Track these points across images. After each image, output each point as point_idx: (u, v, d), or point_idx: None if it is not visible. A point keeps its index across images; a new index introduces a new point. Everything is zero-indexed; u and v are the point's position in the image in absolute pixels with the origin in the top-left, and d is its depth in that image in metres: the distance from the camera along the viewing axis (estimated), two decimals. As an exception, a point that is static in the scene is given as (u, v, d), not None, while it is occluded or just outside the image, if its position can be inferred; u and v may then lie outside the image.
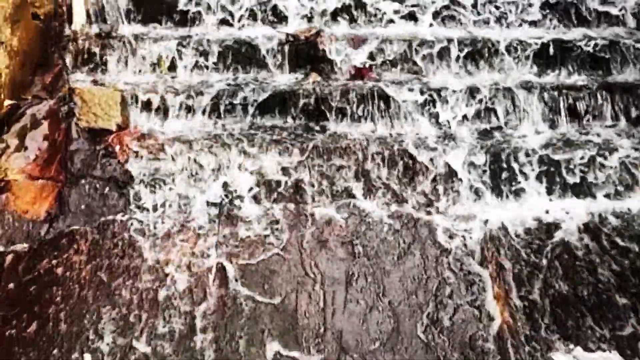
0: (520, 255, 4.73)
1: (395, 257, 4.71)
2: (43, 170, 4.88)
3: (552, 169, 5.12)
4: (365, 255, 4.71)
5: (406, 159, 5.11)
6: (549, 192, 5.07)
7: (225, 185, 5.01)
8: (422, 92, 5.46)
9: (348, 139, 5.23)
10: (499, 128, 5.44)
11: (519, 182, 5.10)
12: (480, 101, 5.46)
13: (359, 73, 5.67)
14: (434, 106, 5.44)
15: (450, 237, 4.81)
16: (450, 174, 5.08)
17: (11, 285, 4.44)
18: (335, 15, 6.05)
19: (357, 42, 5.72)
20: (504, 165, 5.12)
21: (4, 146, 4.89)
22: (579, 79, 5.73)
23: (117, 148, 5.05)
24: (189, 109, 5.38)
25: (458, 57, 5.74)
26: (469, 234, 4.82)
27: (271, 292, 4.54)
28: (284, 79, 5.66)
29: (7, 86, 5.08)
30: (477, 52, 5.78)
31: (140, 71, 5.70)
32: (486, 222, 4.88)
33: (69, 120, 5.11)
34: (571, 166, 5.13)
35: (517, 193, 5.07)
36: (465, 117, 5.43)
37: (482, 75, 5.72)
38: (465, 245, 4.77)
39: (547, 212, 4.96)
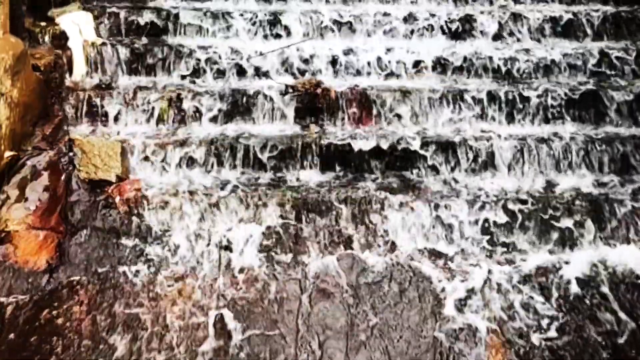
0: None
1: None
2: (43, 221, 5.00)
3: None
4: (365, 304, 4.83)
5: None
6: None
7: (225, 235, 5.15)
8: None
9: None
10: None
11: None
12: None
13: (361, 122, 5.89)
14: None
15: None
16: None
17: (12, 336, 4.53)
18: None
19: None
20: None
21: (4, 197, 5.01)
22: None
23: (117, 199, 5.19)
24: (189, 160, 5.54)
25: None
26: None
27: (271, 343, 4.64)
28: (285, 130, 5.86)
29: (8, 137, 5.19)
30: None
31: (139, 122, 5.88)
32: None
33: (69, 171, 5.25)
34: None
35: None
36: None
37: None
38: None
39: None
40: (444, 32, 6.69)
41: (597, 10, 6.84)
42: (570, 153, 5.63)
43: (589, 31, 6.70)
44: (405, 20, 6.72)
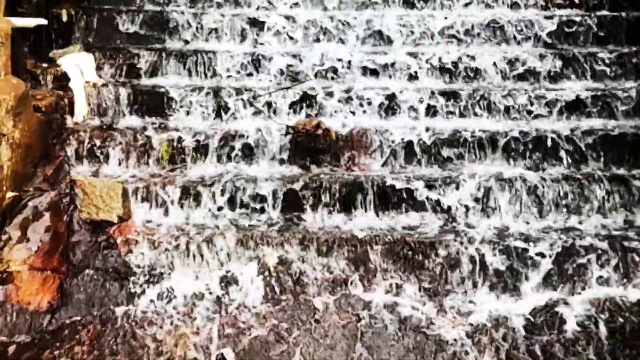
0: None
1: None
2: (45, 261, 5.10)
3: None
4: (365, 344, 4.94)
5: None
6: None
7: (225, 275, 5.27)
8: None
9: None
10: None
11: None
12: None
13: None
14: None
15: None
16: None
17: (14, 377, 4.63)
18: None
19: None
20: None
21: (6, 238, 5.10)
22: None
23: (119, 240, 5.31)
24: (190, 200, 5.67)
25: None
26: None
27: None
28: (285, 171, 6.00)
29: (9, 178, 5.28)
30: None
31: (141, 162, 6.03)
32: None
33: (71, 212, 5.36)
34: None
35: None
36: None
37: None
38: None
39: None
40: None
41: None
42: None
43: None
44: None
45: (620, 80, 6.81)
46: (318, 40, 7.16)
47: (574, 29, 7.23)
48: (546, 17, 7.31)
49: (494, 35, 7.24)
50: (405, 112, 6.46)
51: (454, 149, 6.12)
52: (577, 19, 7.27)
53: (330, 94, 6.49)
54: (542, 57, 6.89)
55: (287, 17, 7.25)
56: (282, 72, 6.78)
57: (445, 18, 7.30)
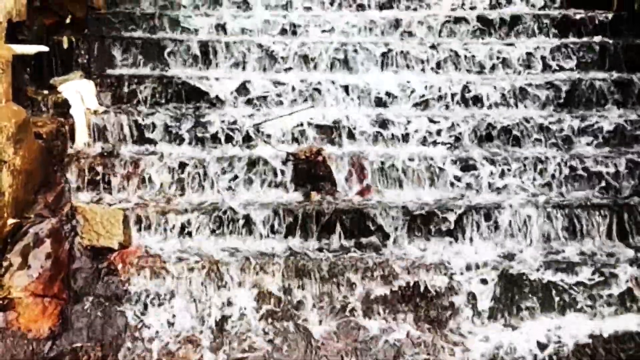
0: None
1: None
2: (46, 288, 5.17)
3: None
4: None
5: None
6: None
7: (226, 302, 5.34)
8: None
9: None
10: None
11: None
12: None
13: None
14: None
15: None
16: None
17: (15, 404, 4.68)
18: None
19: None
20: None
21: (7, 264, 5.17)
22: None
23: (119, 266, 5.38)
24: (190, 227, 5.76)
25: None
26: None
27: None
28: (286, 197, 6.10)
29: (10, 205, 5.34)
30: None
31: (141, 189, 6.12)
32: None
33: (72, 239, 5.44)
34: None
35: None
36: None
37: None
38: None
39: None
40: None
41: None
42: None
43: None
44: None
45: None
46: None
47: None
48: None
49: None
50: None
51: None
52: None
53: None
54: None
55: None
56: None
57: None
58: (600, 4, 8.03)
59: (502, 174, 6.22)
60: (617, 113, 6.83)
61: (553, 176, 6.25)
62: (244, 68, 7.28)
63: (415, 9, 8.19)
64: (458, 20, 7.80)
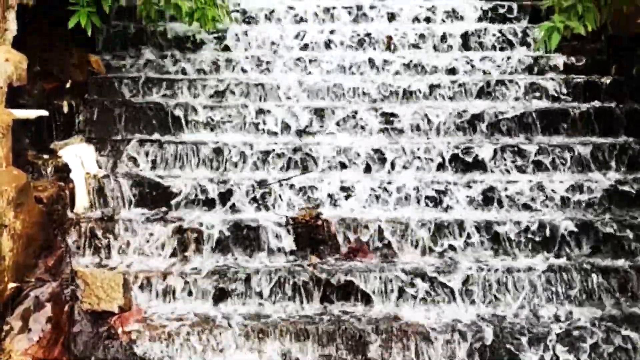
0: None
1: None
2: (47, 352, 5.31)
3: None
4: None
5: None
6: None
7: (226, 367, 5.50)
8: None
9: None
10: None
11: None
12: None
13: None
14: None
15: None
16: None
17: None
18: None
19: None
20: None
21: (8, 328, 5.31)
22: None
23: (120, 330, 5.53)
24: (191, 291, 5.92)
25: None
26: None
27: None
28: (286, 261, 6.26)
29: (11, 269, 5.50)
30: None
31: (142, 253, 6.28)
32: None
33: (72, 303, 5.60)
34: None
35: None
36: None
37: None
38: None
39: None
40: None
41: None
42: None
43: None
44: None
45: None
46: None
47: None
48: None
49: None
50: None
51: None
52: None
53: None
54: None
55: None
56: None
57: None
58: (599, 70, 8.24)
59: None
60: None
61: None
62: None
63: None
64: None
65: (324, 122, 7.43)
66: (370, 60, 8.35)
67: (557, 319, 5.81)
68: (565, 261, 6.19)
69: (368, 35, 8.76)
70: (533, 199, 6.68)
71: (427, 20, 9.09)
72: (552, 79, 7.95)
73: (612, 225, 6.35)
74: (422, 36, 8.71)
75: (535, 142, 7.24)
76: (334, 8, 9.15)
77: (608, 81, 7.88)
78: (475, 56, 8.43)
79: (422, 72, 8.28)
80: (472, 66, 8.31)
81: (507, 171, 7.05)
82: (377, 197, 6.71)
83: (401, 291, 5.96)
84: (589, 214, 6.58)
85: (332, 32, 8.79)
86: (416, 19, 9.08)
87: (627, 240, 6.32)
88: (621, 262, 6.17)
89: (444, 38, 8.71)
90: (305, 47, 8.68)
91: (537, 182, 6.78)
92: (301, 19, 9.08)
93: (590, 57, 8.35)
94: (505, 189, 6.72)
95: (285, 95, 7.82)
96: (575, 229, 6.34)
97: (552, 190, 6.70)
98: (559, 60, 8.28)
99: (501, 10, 9.11)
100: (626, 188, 6.73)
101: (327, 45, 8.71)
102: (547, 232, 6.35)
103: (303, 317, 5.80)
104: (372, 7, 9.18)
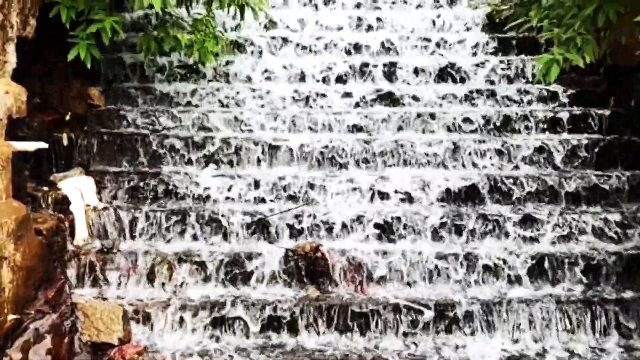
0: None
1: None
2: (46, 384, 5.38)
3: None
4: None
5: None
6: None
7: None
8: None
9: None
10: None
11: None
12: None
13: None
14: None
15: None
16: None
17: None
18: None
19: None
20: None
21: (7, 360, 5.39)
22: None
23: (120, 362, 5.61)
24: (191, 324, 6.00)
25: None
26: None
27: None
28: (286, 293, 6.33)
29: (11, 301, 5.53)
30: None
31: (141, 286, 6.35)
32: None
33: (72, 335, 5.67)
34: None
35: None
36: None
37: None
38: None
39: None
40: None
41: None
42: None
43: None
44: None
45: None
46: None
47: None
48: None
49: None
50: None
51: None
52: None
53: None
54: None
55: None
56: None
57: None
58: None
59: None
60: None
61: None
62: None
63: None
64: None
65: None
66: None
67: None
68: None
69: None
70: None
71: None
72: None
73: None
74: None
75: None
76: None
77: (607, 113, 7.99)
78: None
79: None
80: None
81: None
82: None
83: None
84: None
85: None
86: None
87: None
88: None
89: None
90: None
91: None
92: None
93: (588, 88, 8.46)
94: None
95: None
96: None
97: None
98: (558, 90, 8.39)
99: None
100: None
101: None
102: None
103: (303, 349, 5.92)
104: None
